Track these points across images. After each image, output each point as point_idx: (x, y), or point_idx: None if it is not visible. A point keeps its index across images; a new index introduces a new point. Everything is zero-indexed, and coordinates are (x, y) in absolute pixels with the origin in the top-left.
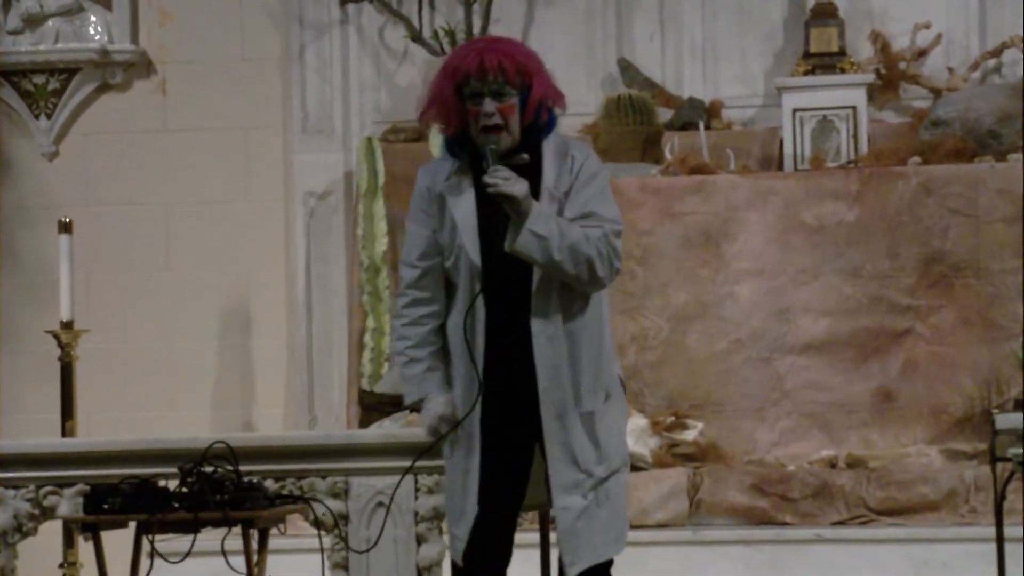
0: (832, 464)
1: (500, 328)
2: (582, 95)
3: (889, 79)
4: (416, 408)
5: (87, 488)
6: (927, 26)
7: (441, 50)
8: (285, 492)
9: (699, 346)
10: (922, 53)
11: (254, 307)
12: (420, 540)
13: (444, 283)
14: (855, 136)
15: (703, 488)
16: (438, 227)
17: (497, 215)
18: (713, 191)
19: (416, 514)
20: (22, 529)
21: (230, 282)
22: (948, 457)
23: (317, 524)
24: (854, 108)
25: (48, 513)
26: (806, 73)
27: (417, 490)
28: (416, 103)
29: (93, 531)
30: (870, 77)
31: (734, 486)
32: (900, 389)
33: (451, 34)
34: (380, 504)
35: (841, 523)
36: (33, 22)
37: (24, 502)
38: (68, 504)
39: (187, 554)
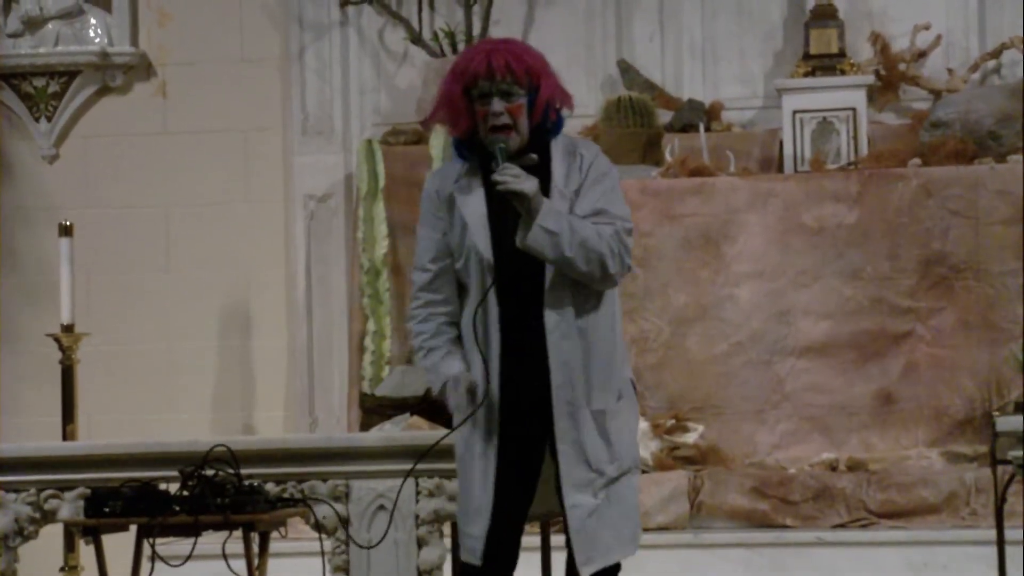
0: (832, 467)
1: (513, 324)
2: (582, 97)
3: (889, 80)
4: (442, 397)
5: (88, 491)
6: (927, 27)
7: (441, 52)
8: (286, 495)
9: (699, 348)
10: (922, 54)
11: (254, 309)
12: (421, 543)
13: (457, 286)
14: (855, 138)
15: (704, 491)
16: (448, 229)
17: (508, 213)
18: (713, 193)
19: (417, 517)
20: (23, 532)
21: (230, 284)
22: (948, 460)
23: (318, 527)
24: (854, 109)
25: (49, 516)
26: (806, 74)
27: (418, 493)
28: (416, 105)
29: (94, 534)
30: (870, 78)
31: (735, 489)
32: (900, 391)
33: (451, 36)
34: (381, 507)
35: (842, 526)
36: (33, 25)
37: (25, 505)
38: (69, 507)
39: (188, 557)
